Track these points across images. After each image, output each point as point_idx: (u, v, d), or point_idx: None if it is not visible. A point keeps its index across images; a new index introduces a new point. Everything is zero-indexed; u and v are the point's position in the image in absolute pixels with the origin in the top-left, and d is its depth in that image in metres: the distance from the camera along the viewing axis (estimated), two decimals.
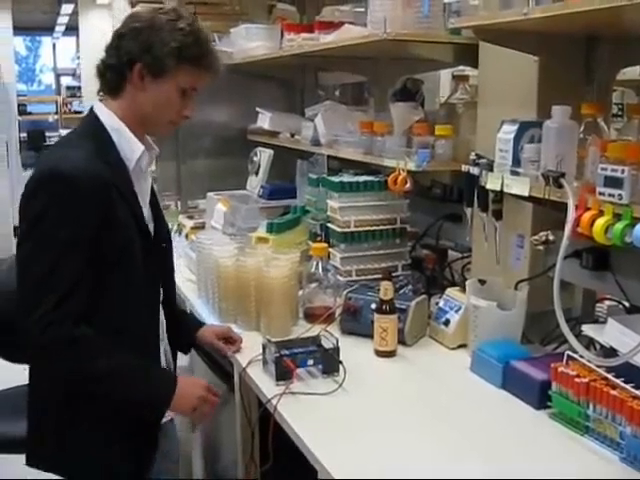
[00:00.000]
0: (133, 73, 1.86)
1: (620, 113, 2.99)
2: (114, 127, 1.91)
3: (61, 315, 1.72)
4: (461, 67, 2.90)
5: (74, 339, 1.75)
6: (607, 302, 2.30)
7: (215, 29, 4.55)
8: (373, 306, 2.27)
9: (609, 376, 1.68)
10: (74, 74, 17.05)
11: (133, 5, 4.94)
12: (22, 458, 2.01)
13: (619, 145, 1.67)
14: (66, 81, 17.79)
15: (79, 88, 14.43)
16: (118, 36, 1.89)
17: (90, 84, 11.73)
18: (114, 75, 1.89)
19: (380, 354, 2.22)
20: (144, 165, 1.96)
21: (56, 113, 17.33)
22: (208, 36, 1.95)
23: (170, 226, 2.36)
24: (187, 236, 3.40)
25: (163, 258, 2.08)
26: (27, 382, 1.99)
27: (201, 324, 2.32)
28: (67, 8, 13.66)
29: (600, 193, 1.67)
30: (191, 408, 1.94)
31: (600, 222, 1.65)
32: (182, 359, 2.38)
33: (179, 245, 3.21)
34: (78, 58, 14.45)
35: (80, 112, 13.93)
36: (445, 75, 3.64)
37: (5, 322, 1.91)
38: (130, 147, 1.91)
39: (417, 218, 2.85)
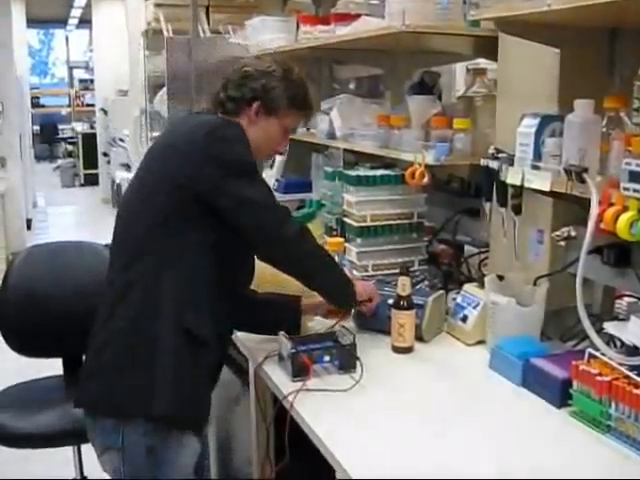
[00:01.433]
0: (251, 108, 2.09)
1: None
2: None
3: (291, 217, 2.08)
4: (478, 60, 2.88)
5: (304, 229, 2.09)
6: (626, 299, 2.27)
7: (230, 21, 4.56)
8: (390, 302, 2.25)
9: (631, 374, 1.66)
10: (87, 67, 17.11)
11: None
12: (21, 459, 2.00)
13: None
14: (79, 74, 17.85)
15: (92, 81, 14.47)
16: (245, 75, 2.12)
17: (103, 77, 11.77)
18: (234, 105, 2.11)
19: (397, 350, 2.21)
20: None
21: (69, 106, 17.41)
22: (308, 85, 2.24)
23: None
24: None
25: None
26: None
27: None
28: (80, 1, 13.69)
29: (624, 188, 1.64)
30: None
31: (624, 218, 1.62)
32: None
33: None
34: (91, 51, 14.48)
35: (92, 105, 13.96)
36: (460, 68, 3.61)
37: None
38: None
39: (434, 213, 2.84)
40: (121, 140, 10.28)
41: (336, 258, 2.49)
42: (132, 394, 1.88)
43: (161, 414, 1.86)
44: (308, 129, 3.52)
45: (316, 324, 2.31)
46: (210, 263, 1.95)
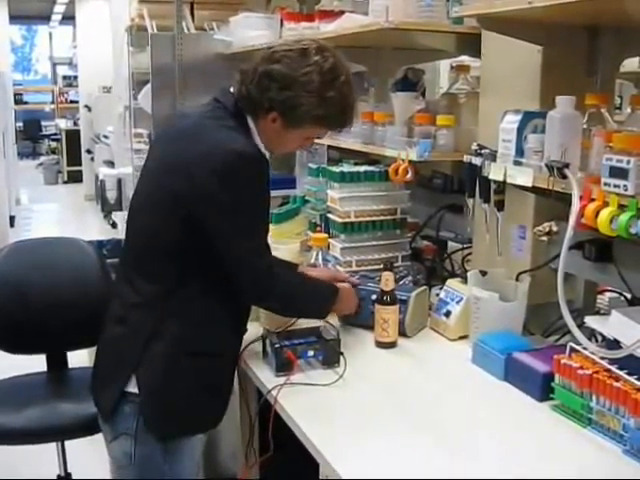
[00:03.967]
0: (267, 116, 1.89)
1: (619, 105, 2.98)
2: (252, 127, 1.94)
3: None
4: (462, 57, 2.89)
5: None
6: (608, 294, 2.30)
7: (214, 18, 4.55)
8: (374, 297, 2.26)
9: (612, 368, 1.68)
10: (70, 63, 16.99)
11: None
12: (21, 460, 2.00)
13: (624, 136, 1.66)
14: (62, 70, 17.73)
15: (75, 78, 14.37)
16: (266, 74, 1.86)
17: (87, 74, 11.70)
18: (249, 105, 1.91)
19: (381, 345, 2.22)
20: None
21: (52, 103, 17.30)
22: (354, 98, 1.98)
23: None
24: None
25: None
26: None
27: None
28: None
29: (605, 184, 1.66)
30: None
31: (605, 213, 1.64)
32: None
33: None
34: (75, 47, 14.38)
35: (76, 102, 13.89)
36: (444, 66, 3.63)
37: None
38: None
39: (418, 209, 2.84)
40: (105, 137, 10.23)
41: (320, 254, 2.49)
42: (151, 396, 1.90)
43: (174, 430, 1.91)
44: None
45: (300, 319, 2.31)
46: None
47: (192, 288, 1.90)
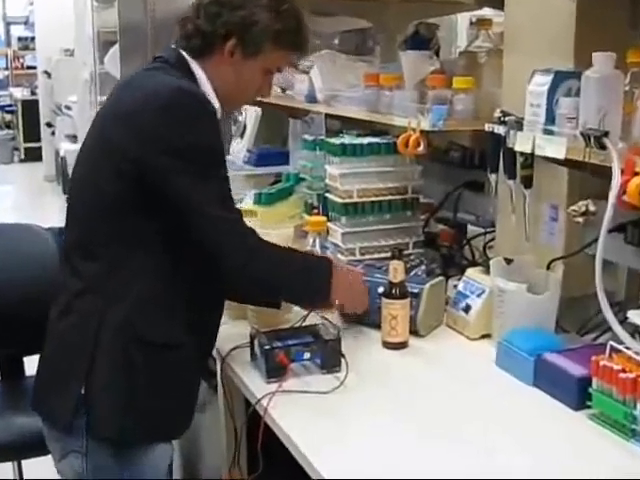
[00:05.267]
0: (225, 48, 1.98)
1: None
2: (199, 75, 2.01)
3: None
4: (482, 10, 2.88)
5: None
6: None
7: None
8: (380, 290, 2.25)
9: None
10: (26, 22, 16.95)
11: None
12: None
13: None
14: (17, 31, 17.69)
15: (32, 39, 14.33)
16: (213, 1, 1.98)
17: (46, 35, 11.67)
18: (202, 42, 2.00)
19: (389, 346, 2.21)
20: None
21: (6, 69, 17.24)
22: (304, 18, 2.08)
23: None
24: None
25: None
26: None
27: None
28: None
29: None
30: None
31: None
32: None
33: None
34: (31, 4, 14.34)
35: (33, 67, 13.86)
36: (462, 20, 3.61)
37: None
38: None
39: (432, 187, 2.85)
40: (67, 108, 10.22)
41: (317, 241, 2.48)
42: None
43: (127, 435, 1.90)
44: (284, 91, 3.51)
45: (294, 316, 2.30)
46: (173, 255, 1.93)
47: (137, 264, 1.90)
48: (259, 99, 3.26)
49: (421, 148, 2.49)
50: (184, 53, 2.01)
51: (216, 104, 1.99)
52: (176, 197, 1.87)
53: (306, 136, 3.04)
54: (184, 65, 2.00)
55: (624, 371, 1.71)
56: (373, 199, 2.67)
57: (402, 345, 2.21)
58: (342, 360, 2.04)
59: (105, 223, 1.92)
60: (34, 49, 13.68)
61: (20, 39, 17.00)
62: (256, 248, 1.97)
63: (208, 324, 2.07)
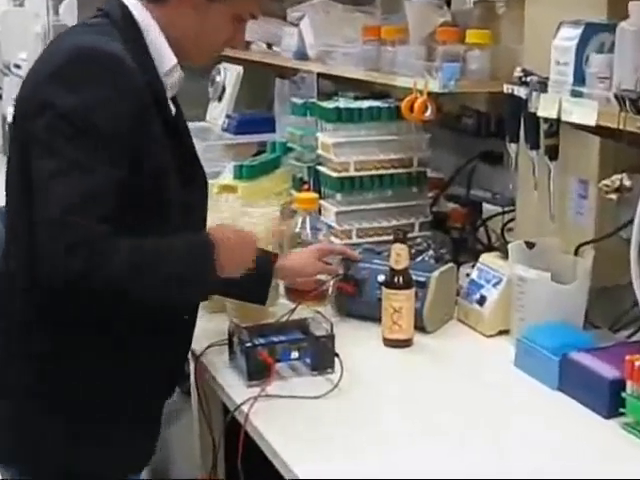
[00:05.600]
0: None
1: None
2: (148, 28, 1.93)
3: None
4: None
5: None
6: None
7: None
8: (381, 278, 2.26)
9: None
10: None
11: None
12: None
13: None
14: None
15: None
16: None
17: None
18: None
19: (390, 343, 2.22)
20: (172, 83, 1.97)
21: None
22: None
23: None
24: None
25: (200, 205, 2.09)
26: None
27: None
28: None
29: None
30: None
31: None
32: None
33: None
34: None
35: None
36: None
37: None
38: (161, 56, 1.94)
39: (441, 159, 2.85)
40: (16, 67, 10.14)
41: (307, 221, 2.48)
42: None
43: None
44: (270, 46, 3.50)
45: (280, 308, 2.31)
46: None
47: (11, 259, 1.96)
48: (237, 55, 3.26)
49: (428, 113, 2.49)
50: (131, 1, 1.94)
51: (172, 60, 1.95)
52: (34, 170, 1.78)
53: (295, 99, 3.05)
54: (127, 18, 1.93)
55: None
56: (373, 173, 2.68)
57: (406, 342, 2.22)
58: (336, 360, 2.04)
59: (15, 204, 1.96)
60: None
61: None
62: (125, 248, 1.78)
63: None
